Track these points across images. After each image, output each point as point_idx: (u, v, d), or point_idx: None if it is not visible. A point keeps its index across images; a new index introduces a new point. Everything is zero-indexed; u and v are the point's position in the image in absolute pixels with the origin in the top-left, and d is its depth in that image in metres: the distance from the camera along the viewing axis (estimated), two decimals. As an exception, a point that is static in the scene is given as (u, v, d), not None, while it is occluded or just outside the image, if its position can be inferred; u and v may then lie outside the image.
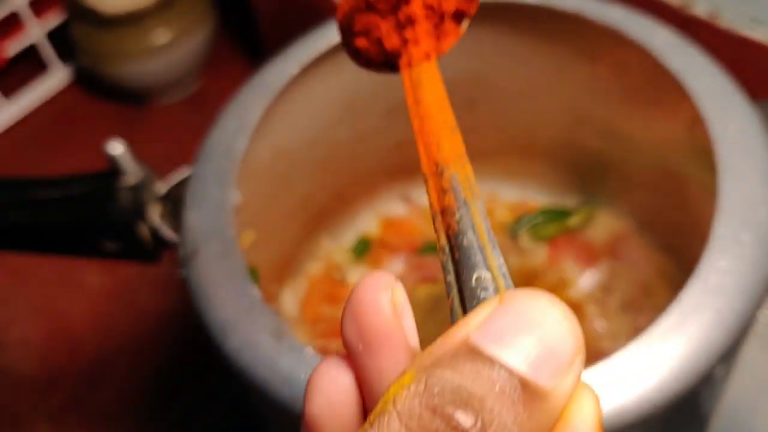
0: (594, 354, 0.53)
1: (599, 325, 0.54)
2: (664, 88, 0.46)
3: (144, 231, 0.42)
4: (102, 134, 0.98)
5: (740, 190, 0.37)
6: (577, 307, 0.55)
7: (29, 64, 0.92)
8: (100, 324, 0.83)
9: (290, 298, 0.57)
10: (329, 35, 0.49)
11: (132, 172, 0.41)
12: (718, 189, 0.37)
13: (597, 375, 0.33)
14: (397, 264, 0.59)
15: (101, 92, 0.99)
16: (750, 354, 0.44)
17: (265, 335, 0.35)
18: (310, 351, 0.34)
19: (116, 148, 0.40)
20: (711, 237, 0.35)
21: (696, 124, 0.44)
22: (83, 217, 0.41)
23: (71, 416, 0.77)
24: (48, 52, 0.87)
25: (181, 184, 0.44)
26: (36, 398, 0.79)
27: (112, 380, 0.79)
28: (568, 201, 0.63)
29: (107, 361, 0.80)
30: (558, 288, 0.56)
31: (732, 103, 0.40)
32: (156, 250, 0.43)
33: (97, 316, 0.84)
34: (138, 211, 0.41)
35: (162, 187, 0.43)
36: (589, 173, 0.60)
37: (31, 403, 0.79)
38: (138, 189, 0.41)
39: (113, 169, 0.41)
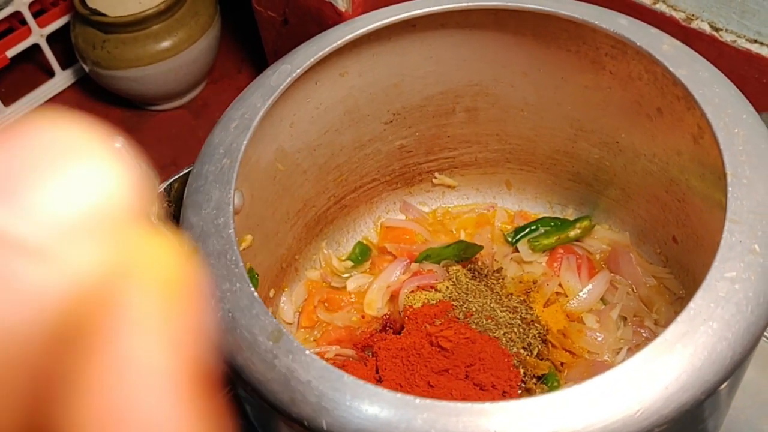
0: (595, 366, 0.52)
1: (599, 336, 0.53)
2: (671, 97, 0.46)
3: (141, 229, 0.41)
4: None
5: (749, 199, 0.36)
6: (576, 319, 0.55)
7: (31, 66, 0.91)
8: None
9: (288, 304, 0.56)
10: (333, 40, 0.49)
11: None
12: (727, 198, 0.36)
13: (606, 383, 0.32)
14: (396, 271, 0.58)
15: (102, 96, 0.99)
16: (750, 374, 0.43)
17: (263, 336, 0.35)
18: (308, 352, 0.34)
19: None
20: (720, 246, 0.35)
21: (703, 133, 0.44)
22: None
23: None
24: (49, 54, 0.87)
25: (180, 183, 0.43)
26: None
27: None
28: (568, 212, 0.62)
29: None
30: (557, 299, 0.56)
31: (739, 112, 0.40)
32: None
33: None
34: (136, 208, 0.40)
35: (161, 185, 0.43)
36: (589, 184, 0.60)
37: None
38: (137, 186, 0.41)
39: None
